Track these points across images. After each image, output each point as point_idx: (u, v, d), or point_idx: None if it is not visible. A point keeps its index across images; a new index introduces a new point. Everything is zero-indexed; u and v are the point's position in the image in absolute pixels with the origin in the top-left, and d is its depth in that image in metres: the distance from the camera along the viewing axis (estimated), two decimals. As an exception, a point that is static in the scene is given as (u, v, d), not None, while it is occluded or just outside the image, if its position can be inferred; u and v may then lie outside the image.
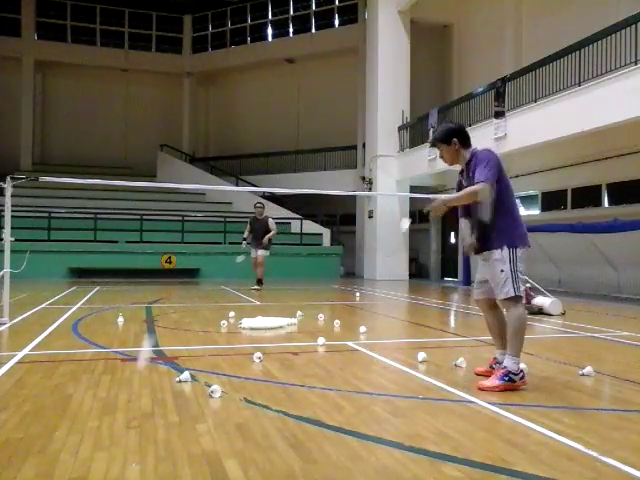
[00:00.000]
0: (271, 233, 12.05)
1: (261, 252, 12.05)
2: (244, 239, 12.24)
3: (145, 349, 4.87)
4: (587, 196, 13.39)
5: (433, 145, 4.13)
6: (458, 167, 4.07)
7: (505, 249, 3.71)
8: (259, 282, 12.05)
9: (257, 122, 24.20)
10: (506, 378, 3.61)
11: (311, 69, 23.48)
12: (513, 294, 3.69)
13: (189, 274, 16.23)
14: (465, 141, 3.96)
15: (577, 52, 10.79)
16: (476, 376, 3.95)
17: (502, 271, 3.70)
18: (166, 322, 6.76)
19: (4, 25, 23.26)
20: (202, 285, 13.75)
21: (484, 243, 3.83)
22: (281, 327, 6.40)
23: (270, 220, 12.19)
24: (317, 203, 20.36)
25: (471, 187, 3.72)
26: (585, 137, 11.18)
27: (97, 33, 24.81)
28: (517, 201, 3.91)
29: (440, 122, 15.56)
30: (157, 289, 12.20)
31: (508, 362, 3.67)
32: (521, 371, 3.66)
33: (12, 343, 5.33)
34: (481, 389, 3.60)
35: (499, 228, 3.74)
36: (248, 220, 12.47)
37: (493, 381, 3.64)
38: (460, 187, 4.02)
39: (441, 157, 4.06)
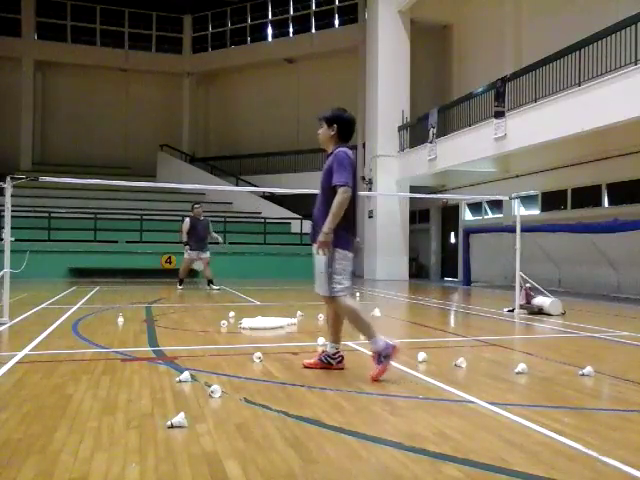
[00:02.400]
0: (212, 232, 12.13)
1: (209, 253, 12.05)
2: (187, 244, 11.86)
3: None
4: (587, 196, 13.39)
5: (319, 119, 4.12)
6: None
7: (331, 248, 3.82)
8: (211, 282, 12.02)
9: (257, 122, 24.20)
10: (382, 359, 3.80)
11: (311, 69, 23.48)
12: (328, 294, 3.85)
13: (189, 274, 16.20)
14: (343, 134, 4.01)
15: (577, 52, 10.80)
16: (475, 377, 3.95)
17: (321, 270, 3.87)
18: (166, 322, 6.75)
19: (4, 25, 23.26)
20: (202, 285, 13.74)
21: (314, 236, 3.92)
22: (281, 327, 6.40)
23: (208, 220, 12.23)
24: (317, 203, 20.34)
25: (337, 199, 3.77)
26: (585, 137, 11.18)
27: (97, 33, 24.82)
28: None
29: (440, 122, 15.59)
30: (157, 289, 12.20)
31: (373, 346, 3.83)
32: (389, 346, 3.79)
33: (12, 343, 5.33)
34: (373, 378, 3.77)
35: (338, 225, 3.82)
36: (186, 223, 11.94)
37: (375, 370, 3.81)
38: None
39: (318, 133, 4.10)
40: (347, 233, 3.91)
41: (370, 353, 3.95)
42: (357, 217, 4.28)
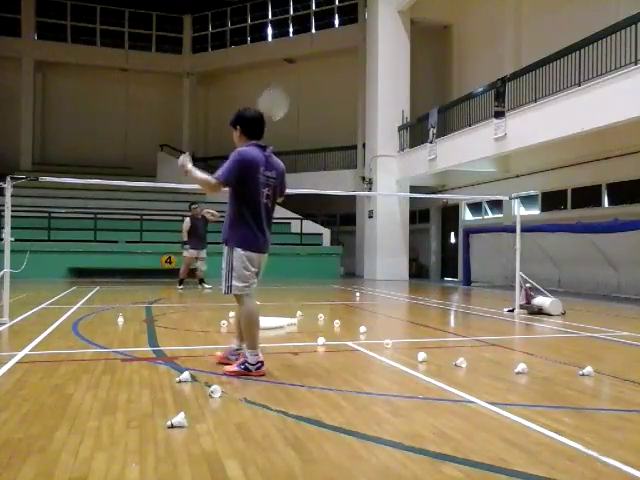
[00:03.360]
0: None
1: (205, 251, 12.13)
2: (186, 243, 11.97)
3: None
4: (587, 196, 13.38)
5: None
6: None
7: (231, 248, 3.92)
8: (202, 281, 12.12)
9: (257, 122, 24.17)
10: (242, 366, 3.90)
11: (311, 69, 23.47)
12: (224, 292, 3.94)
13: (189, 274, 16.19)
14: (248, 132, 4.04)
15: (577, 52, 10.79)
16: (475, 377, 3.95)
17: (222, 267, 3.95)
18: (166, 322, 6.75)
19: (4, 25, 23.25)
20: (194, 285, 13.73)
21: (223, 234, 4.04)
22: (281, 327, 6.40)
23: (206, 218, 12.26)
24: (317, 203, 20.34)
25: (208, 177, 3.90)
26: (585, 137, 11.18)
27: (97, 33, 24.81)
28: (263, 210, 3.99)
29: (440, 122, 15.59)
30: (157, 289, 12.20)
31: (247, 353, 3.94)
32: (258, 362, 3.89)
33: (12, 343, 5.34)
34: (225, 373, 3.90)
35: (233, 226, 3.94)
36: (186, 223, 11.99)
37: (233, 367, 3.94)
38: None
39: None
40: (252, 234, 3.92)
41: (237, 351, 4.19)
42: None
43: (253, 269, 3.94)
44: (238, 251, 3.89)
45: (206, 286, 11.97)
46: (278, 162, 4.16)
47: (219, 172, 3.84)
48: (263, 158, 3.97)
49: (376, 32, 17.67)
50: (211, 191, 3.89)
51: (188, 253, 12.05)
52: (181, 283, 12.09)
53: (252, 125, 4.06)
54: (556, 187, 14.16)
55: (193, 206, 12.26)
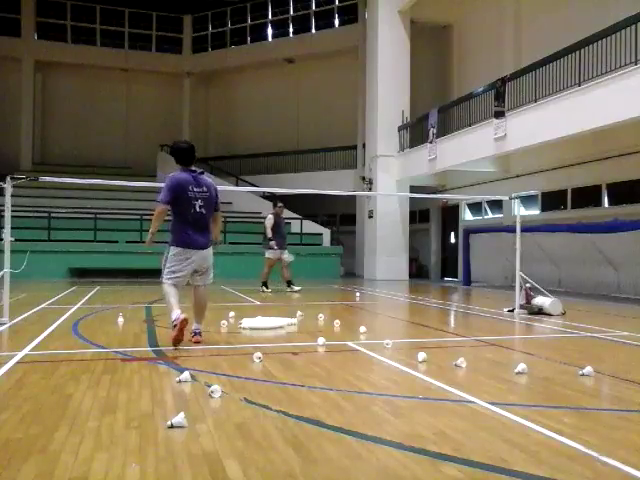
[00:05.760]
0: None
1: (287, 251, 11.72)
2: (271, 239, 11.37)
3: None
4: (587, 196, 13.38)
5: None
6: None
7: (169, 246, 5.15)
8: (291, 282, 11.71)
9: (257, 122, 24.19)
10: (173, 327, 4.91)
11: (311, 69, 23.48)
12: (161, 279, 5.16)
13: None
14: (179, 160, 5.20)
15: (577, 52, 10.78)
16: (475, 376, 3.96)
17: (161, 260, 5.22)
18: (166, 322, 6.74)
19: (4, 25, 23.25)
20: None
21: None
22: (281, 327, 6.40)
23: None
24: (317, 203, 20.35)
25: (155, 211, 5.18)
26: (585, 137, 11.18)
27: (97, 33, 24.81)
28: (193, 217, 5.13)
29: (440, 122, 15.58)
30: (157, 289, 12.11)
31: (171, 318, 4.97)
32: (177, 318, 4.87)
33: (12, 343, 5.34)
34: (172, 341, 4.92)
35: (171, 231, 5.18)
36: (270, 219, 11.53)
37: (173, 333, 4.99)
38: None
39: None
40: (179, 234, 5.11)
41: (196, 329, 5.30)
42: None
43: (183, 263, 5.08)
44: (171, 249, 5.12)
45: (295, 288, 11.52)
46: (208, 181, 5.27)
47: (159, 197, 5.11)
48: (191, 178, 5.12)
49: (376, 32, 17.67)
50: (160, 214, 5.12)
51: (272, 254, 11.48)
52: (266, 286, 11.45)
53: (180, 154, 5.21)
54: (556, 187, 14.16)
55: (279, 204, 11.78)
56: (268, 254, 11.57)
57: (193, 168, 5.20)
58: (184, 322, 4.81)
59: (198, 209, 5.08)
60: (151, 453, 2.43)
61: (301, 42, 23.07)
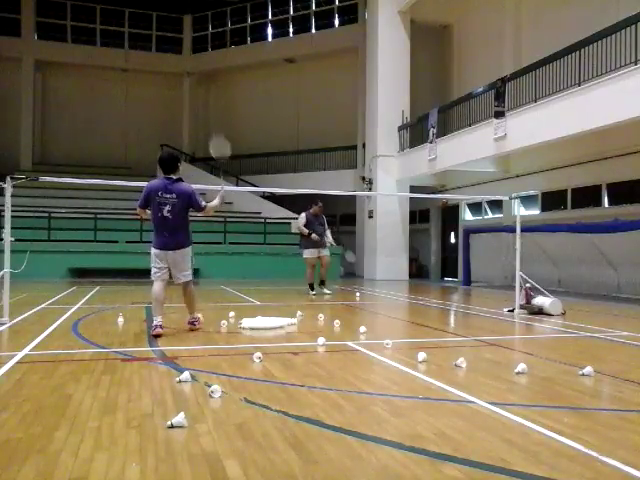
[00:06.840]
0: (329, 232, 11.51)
1: (327, 250, 11.42)
2: (311, 233, 11.08)
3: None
4: (587, 196, 13.38)
5: None
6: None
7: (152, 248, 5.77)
8: (323, 283, 11.49)
9: (257, 122, 24.18)
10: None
11: (311, 69, 23.47)
12: (152, 277, 5.81)
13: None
14: (161, 168, 5.79)
15: (577, 52, 10.78)
16: (475, 377, 3.96)
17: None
18: (166, 322, 6.73)
19: (4, 25, 23.23)
20: (202, 285, 13.73)
21: None
22: (281, 327, 6.40)
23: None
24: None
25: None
26: (585, 137, 11.17)
27: (97, 33, 24.79)
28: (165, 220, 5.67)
29: (440, 122, 15.59)
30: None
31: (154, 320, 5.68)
32: (154, 325, 5.60)
33: (12, 343, 5.33)
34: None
35: (153, 233, 5.78)
36: (302, 217, 11.36)
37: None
38: None
39: None
40: (154, 237, 5.75)
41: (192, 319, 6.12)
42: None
43: (159, 262, 5.73)
44: (151, 250, 5.77)
45: (326, 291, 11.22)
46: (181, 188, 5.69)
47: (138, 202, 5.76)
48: (163, 185, 5.64)
49: (376, 32, 17.67)
50: (140, 214, 5.87)
51: (309, 253, 11.24)
52: (312, 288, 11.22)
53: (160, 164, 5.83)
54: (556, 187, 14.15)
55: (319, 204, 11.38)
56: (305, 254, 11.34)
57: (170, 176, 5.71)
58: (157, 335, 5.50)
59: (166, 213, 5.60)
60: (151, 453, 2.43)
61: (301, 42, 23.06)
